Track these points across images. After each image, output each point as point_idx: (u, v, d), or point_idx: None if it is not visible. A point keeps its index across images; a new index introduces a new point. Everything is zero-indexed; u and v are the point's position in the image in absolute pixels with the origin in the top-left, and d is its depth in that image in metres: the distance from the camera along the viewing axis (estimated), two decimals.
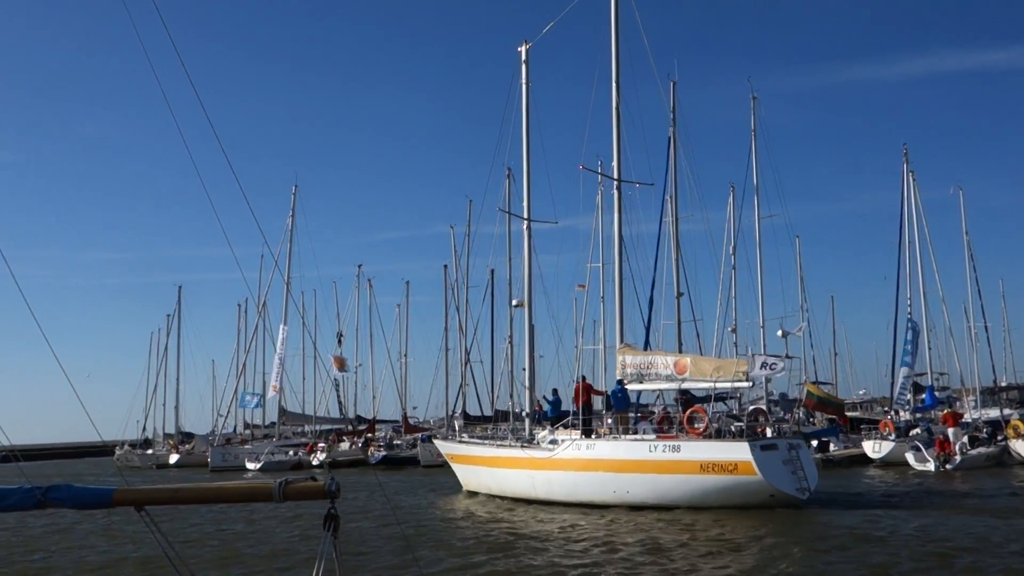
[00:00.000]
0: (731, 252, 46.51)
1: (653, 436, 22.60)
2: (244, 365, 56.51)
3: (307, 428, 57.60)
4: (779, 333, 41.77)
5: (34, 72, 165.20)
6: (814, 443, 38.86)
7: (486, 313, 48.78)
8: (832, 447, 38.97)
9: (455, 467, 28.59)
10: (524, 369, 33.30)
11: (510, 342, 50.70)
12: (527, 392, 30.82)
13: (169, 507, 7.86)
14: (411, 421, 54.03)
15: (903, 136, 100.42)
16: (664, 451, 21.45)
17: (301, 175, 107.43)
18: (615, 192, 27.56)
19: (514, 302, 39.83)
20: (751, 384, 24.13)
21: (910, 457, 34.16)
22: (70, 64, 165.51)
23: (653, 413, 27.59)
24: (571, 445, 23.21)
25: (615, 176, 27.49)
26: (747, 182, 43.77)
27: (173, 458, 56.72)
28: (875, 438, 37.63)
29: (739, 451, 20.74)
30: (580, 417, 24.18)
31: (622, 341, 26.63)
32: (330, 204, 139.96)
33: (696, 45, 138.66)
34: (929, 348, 42.80)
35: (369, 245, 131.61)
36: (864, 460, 37.03)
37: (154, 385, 68.20)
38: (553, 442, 24.09)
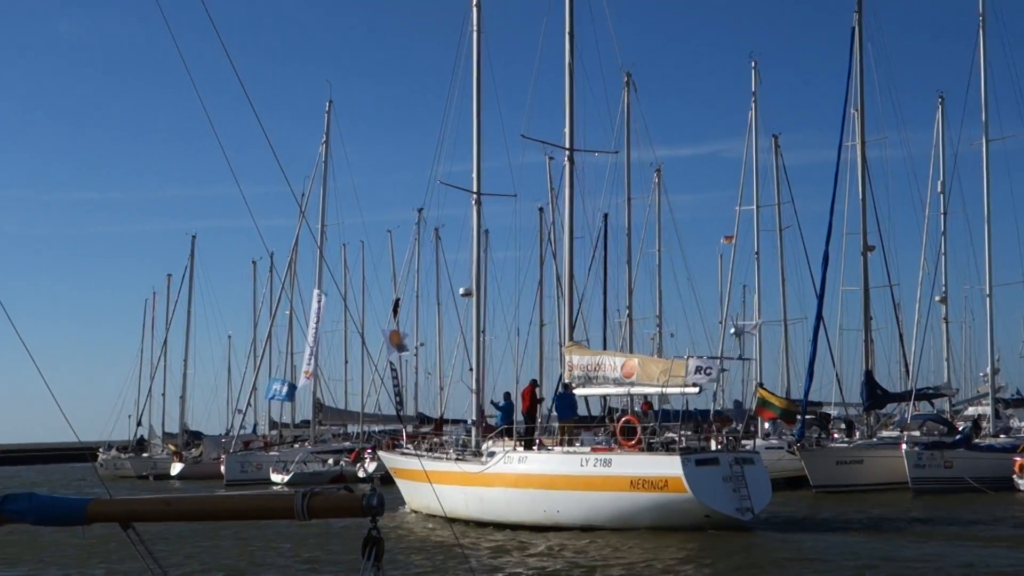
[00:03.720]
0: (939, 191, 36.77)
1: (588, 448, 21.94)
2: (267, 344, 47.65)
3: (351, 429, 49.64)
4: (732, 331, 39.53)
5: None
6: None
7: (596, 274, 36.88)
8: None
9: (398, 483, 27.30)
10: (471, 370, 30.97)
11: (629, 315, 39.70)
12: (473, 397, 29.68)
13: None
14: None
15: None
16: (596, 465, 21.01)
17: (341, 92, 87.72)
18: (566, 163, 26.25)
19: (461, 290, 37.75)
20: (699, 390, 23.76)
21: None
22: None
23: (609, 421, 26.11)
24: (503, 458, 22.59)
25: (567, 146, 25.94)
26: (970, 89, 33.58)
27: (176, 467, 48.34)
28: None
29: (670, 466, 20.17)
30: (521, 425, 24.15)
31: (571, 339, 26.31)
32: (381, 129, 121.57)
33: None
34: None
35: (433, 182, 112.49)
36: None
37: (151, 369, 57.73)
38: (491, 454, 23.42)
